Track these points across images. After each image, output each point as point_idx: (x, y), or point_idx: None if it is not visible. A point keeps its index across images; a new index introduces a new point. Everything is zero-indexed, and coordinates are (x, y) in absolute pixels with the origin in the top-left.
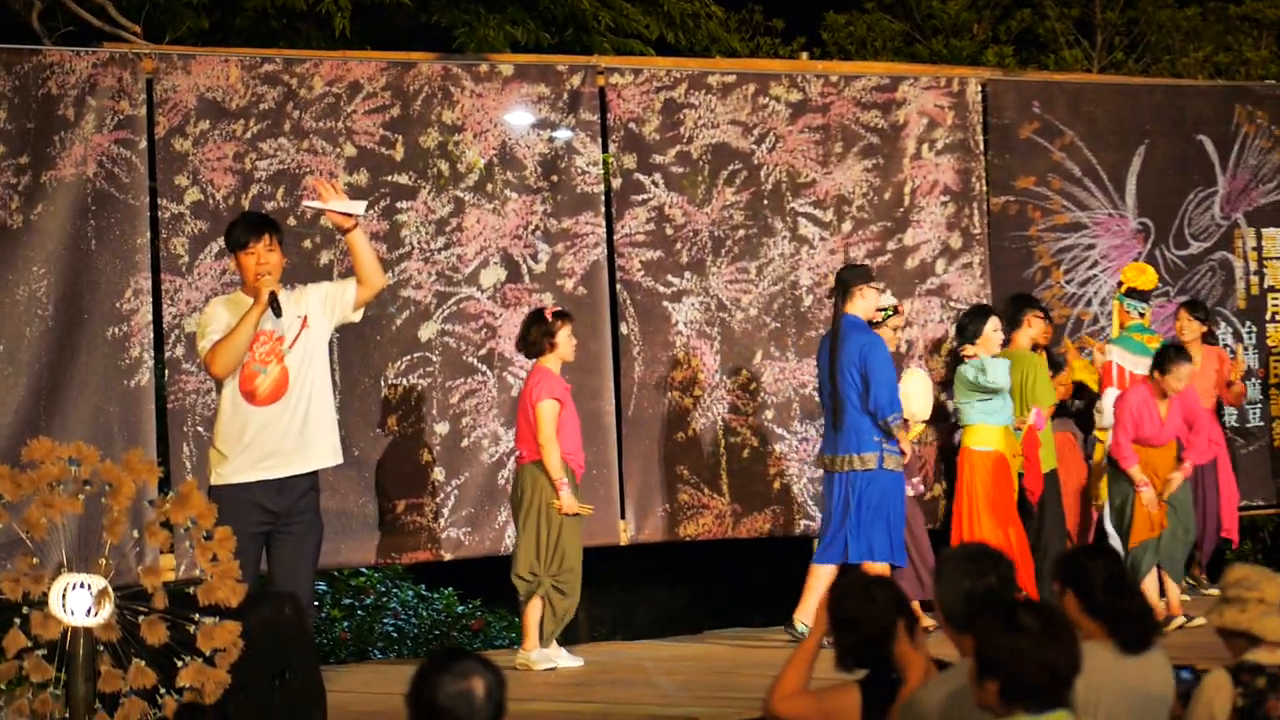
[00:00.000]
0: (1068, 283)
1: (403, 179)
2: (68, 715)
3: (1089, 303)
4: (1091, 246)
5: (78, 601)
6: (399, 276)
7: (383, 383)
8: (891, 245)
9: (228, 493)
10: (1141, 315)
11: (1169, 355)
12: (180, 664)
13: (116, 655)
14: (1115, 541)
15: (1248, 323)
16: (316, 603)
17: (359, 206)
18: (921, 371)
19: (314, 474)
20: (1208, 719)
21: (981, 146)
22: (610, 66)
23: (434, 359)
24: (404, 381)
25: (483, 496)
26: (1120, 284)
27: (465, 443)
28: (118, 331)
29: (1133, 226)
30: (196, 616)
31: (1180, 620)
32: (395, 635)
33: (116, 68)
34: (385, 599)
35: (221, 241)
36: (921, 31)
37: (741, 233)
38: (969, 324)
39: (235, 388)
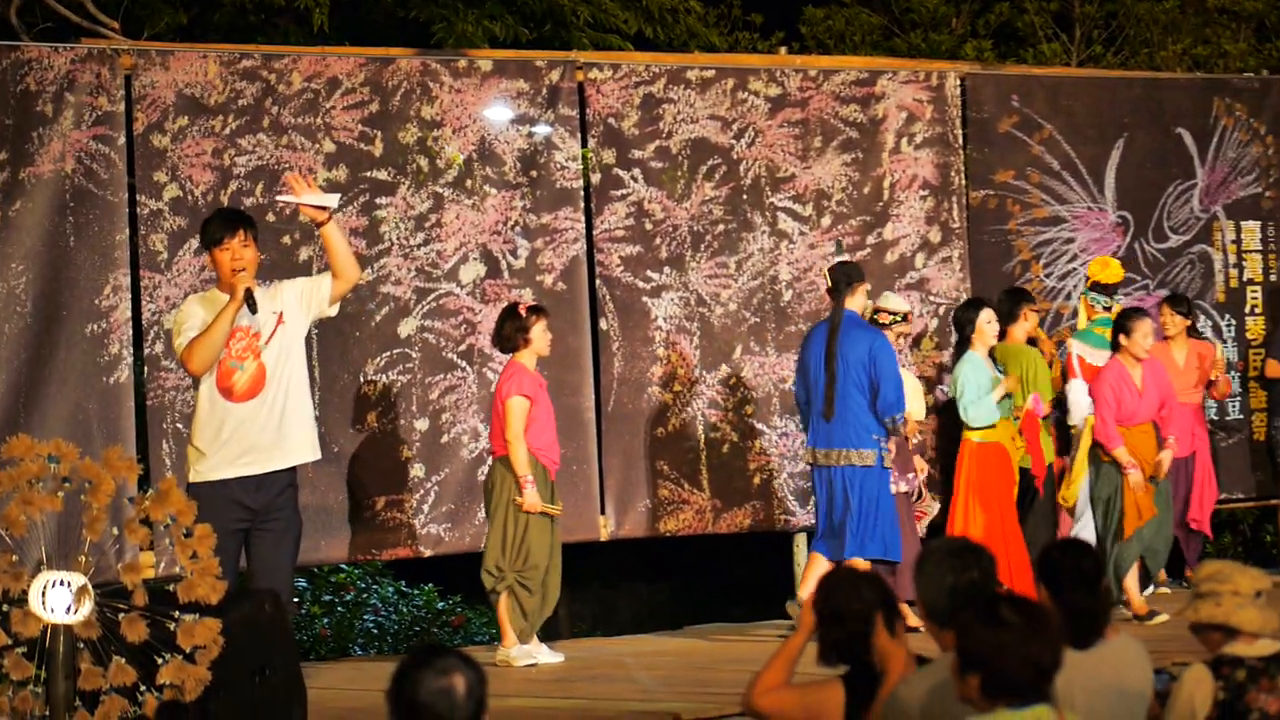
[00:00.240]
0: (1047, 276)
1: (382, 175)
2: (48, 713)
3: (1068, 296)
4: (1071, 240)
5: (58, 599)
6: (378, 272)
7: (362, 379)
8: (871, 239)
9: (206, 490)
10: (1107, 309)
11: (1127, 317)
12: (160, 661)
13: (97, 653)
14: (1089, 535)
15: (1227, 316)
16: (296, 599)
17: (332, 200)
18: (910, 373)
19: (292, 470)
20: (1189, 714)
21: (960, 140)
22: (589, 62)
23: (413, 355)
24: (383, 377)
25: (462, 492)
26: (1087, 278)
27: (445, 439)
28: (97, 328)
29: (1112, 220)
30: (176, 614)
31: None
32: (375, 631)
33: (95, 64)
34: (365, 595)
35: None
36: (900, 25)
37: (721, 228)
38: (963, 315)
39: (212, 384)
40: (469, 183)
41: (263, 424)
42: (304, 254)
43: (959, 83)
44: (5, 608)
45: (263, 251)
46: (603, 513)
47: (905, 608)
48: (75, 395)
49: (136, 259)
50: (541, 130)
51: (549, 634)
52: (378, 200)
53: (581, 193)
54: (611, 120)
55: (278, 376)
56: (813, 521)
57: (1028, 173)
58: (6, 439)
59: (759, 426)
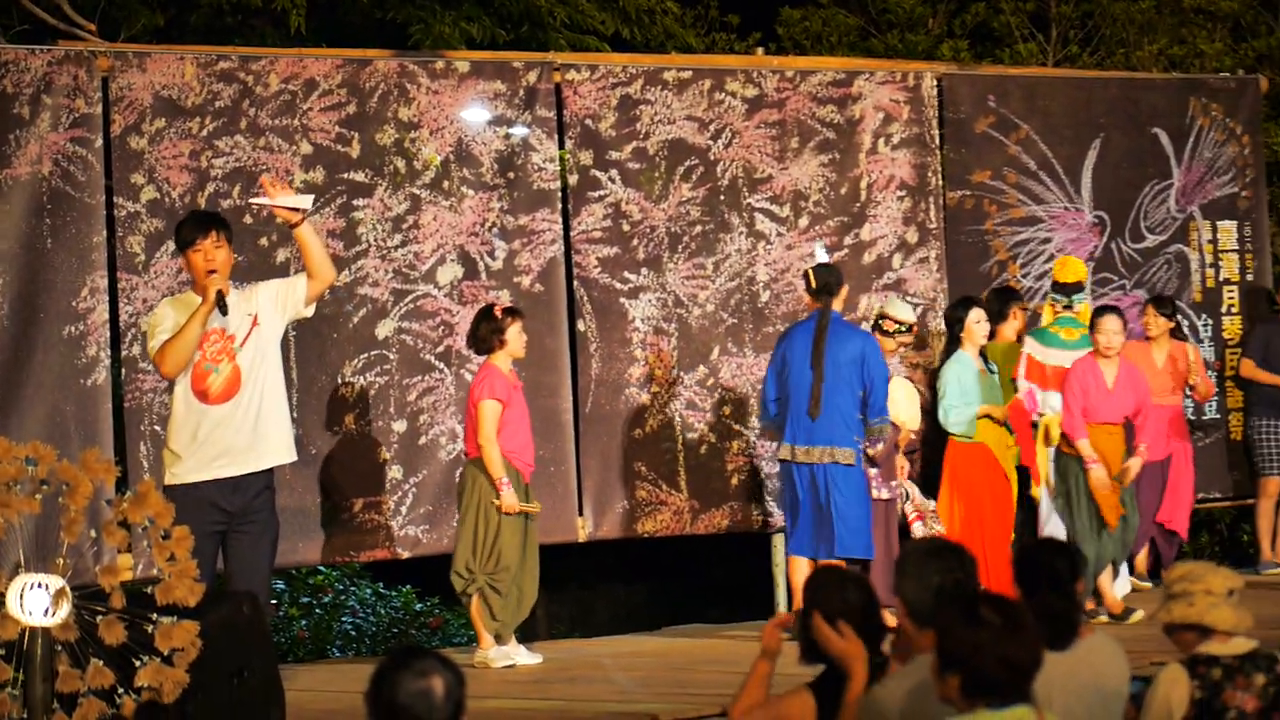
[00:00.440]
0: (1024, 276)
1: (359, 176)
2: (26, 715)
3: (1045, 296)
4: (1047, 240)
5: (35, 601)
6: (355, 274)
7: (340, 380)
8: (848, 240)
9: (182, 492)
10: (1067, 308)
11: (1096, 314)
12: (138, 664)
13: (74, 655)
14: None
15: (1203, 316)
16: (274, 601)
17: (305, 201)
18: (904, 381)
19: (269, 472)
20: (1165, 714)
21: (937, 141)
22: (566, 63)
23: (391, 357)
24: (361, 379)
25: (440, 494)
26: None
27: (423, 440)
28: (74, 330)
29: (1088, 220)
30: (154, 616)
31: (1103, 617)
32: (353, 633)
33: (72, 66)
34: (343, 597)
35: None
36: (877, 26)
37: (698, 229)
38: (952, 314)
39: (187, 386)
40: (446, 184)
41: (238, 426)
42: (281, 255)
43: (935, 83)
44: None
45: (240, 253)
46: (581, 514)
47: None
48: (53, 397)
49: (114, 261)
50: (519, 131)
51: (526, 635)
52: (355, 202)
53: (559, 194)
54: (589, 121)
55: (253, 378)
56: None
57: (1004, 173)
58: None
59: (737, 427)
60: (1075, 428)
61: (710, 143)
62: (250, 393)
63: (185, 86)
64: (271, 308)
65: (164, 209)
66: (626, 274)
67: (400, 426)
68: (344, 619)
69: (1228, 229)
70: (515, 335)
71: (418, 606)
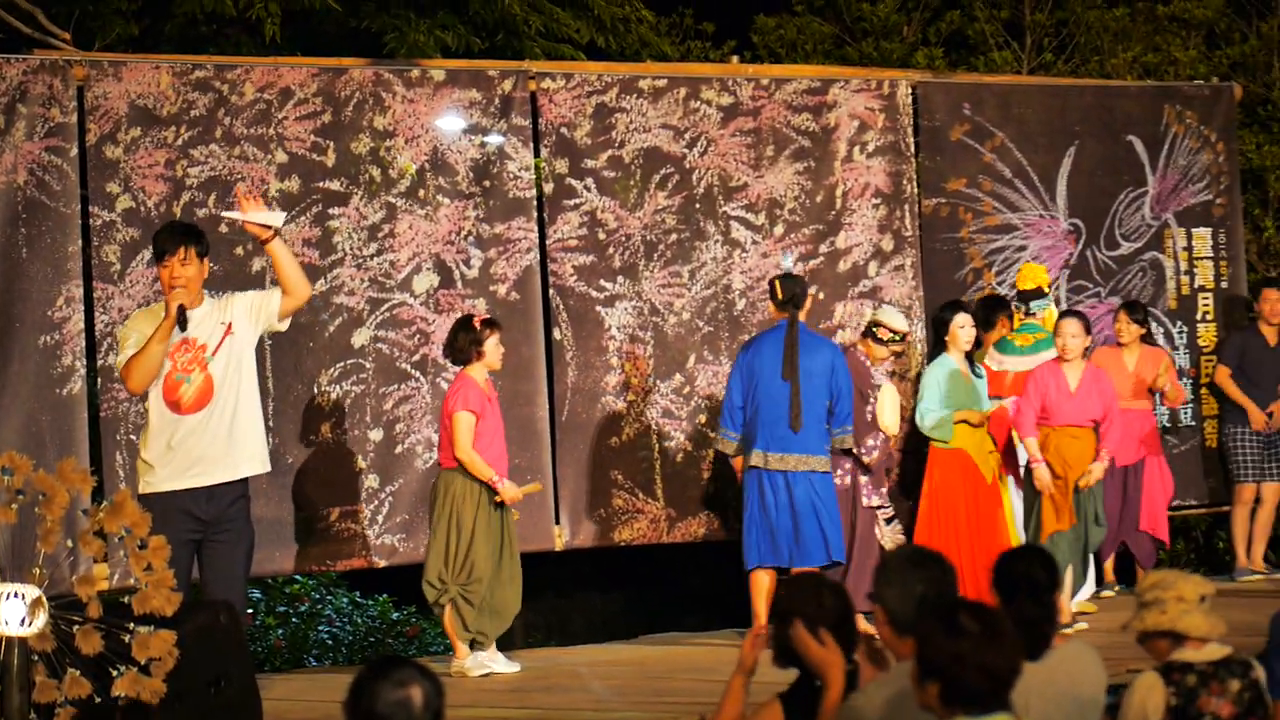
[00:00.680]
0: (999, 284)
1: (334, 185)
2: None
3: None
4: (1023, 248)
5: (12, 611)
6: (331, 283)
7: (316, 389)
8: (824, 248)
9: (156, 501)
10: (1029, 315)
11: (1059, 319)
12: (116, 673)
13: (51, 665)
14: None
15: (1178, 323)
16: (250, 610)
17: (277, 219)
18: (892, 386)
19: (244, 481)
20: None
21: (912, 149)
22: (541, 71)
23: (367, 365)
24: (337, 388)
25: (417, 503)
26: None
27: (399, 449)
28: (49, 340)
29: (1064, 228)
30: (131, 626)
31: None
32: (330, 642)
33: (47, 75)
34: (320, 606)
35: None
36: (851, 34)
37: (674, 237)
38: (939, 317)
39: (160, 396)
40: (422, 193)
41: (211, 436)
42: (257, 265)
43: (910, 91)
44: None
45: (215, 263)
46: (557, 523)
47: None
48: (28, 407)
49: (89, 270)
50: (494, 140)
51: (503, 644)
52: (330, 211)
53: (534, 202)
54: (564, 130)
55: (226, 388)
56: None
57: (980, 180)
58: None
59: (713, 435)
60: (1021, 425)
61: (686, 151)
62: (223, 402)
63: (161, 95)
64: (246, 318)
65: (139, 218)
66: (602, 282)
67: (376, 435)
68: (320, 628)
69: (1202, 236)
70: (493, 348)
71: (394, 615)
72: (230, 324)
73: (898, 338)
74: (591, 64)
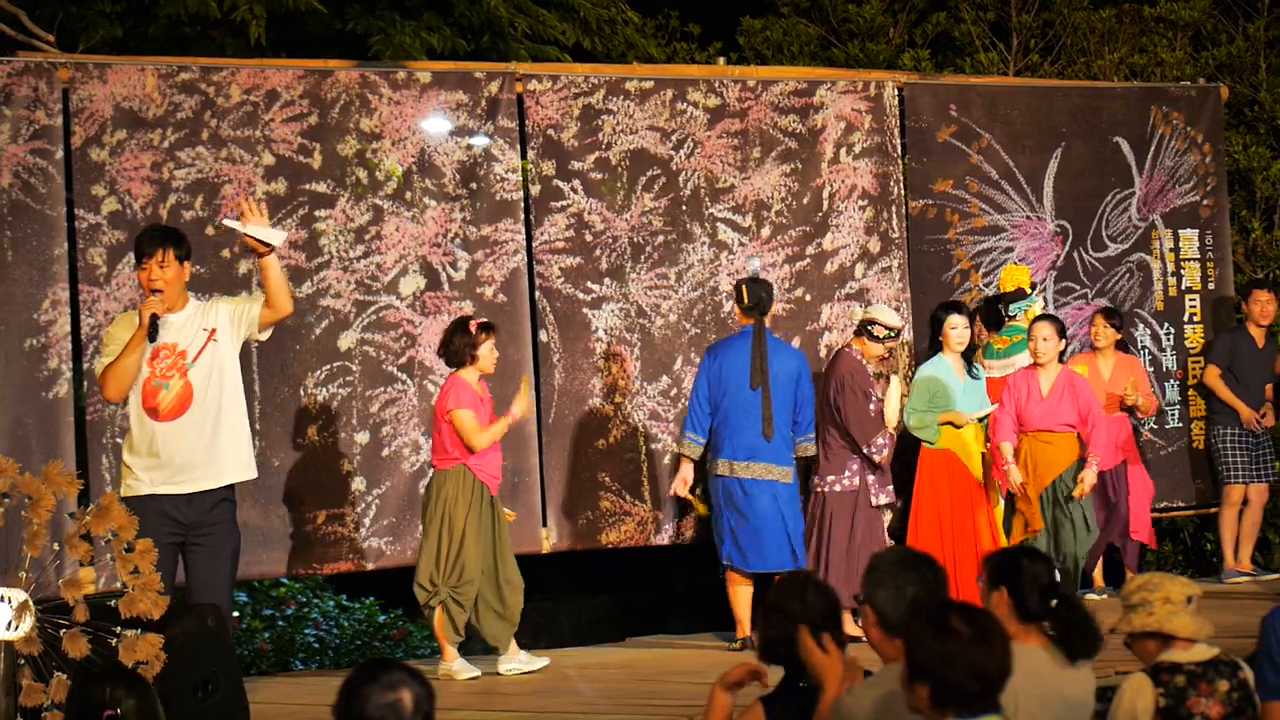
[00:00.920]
0: (986, 286)
1: (321, 187)
2: None
3: None
4: (1010, 249)
5: None
6: (318, 286)
7: (302, 392)
8: (811, 250)
9: (137, 504)
10: (1011, 317)
11: (1033, 322)
12: None
13: (38, 669)
14: None
15: (1166, 324)
16: (237, 614)
17: (278, 237)
18: (897, 379)
19: (228, 485)
20: None
21: (899, 150)
22: (528, 73)
23: (354, 368)
24: (324, 391)
25: (404, 506)
26: None
27: (386, 452)
28: (35, 343)
29: (1050, 229)
30: (118, 629)
31: None
32: (317, 646)
33: (32, 77)
34: (306, 609)
35: None
36: (838, 35)
37: (661, 239)
38: (935, 315)
39: (139, 402)
40: (408, 195)
41: (192, 443)
42: (243, 268)
43: (897, 92)
44: None
45: (201, 265)
46: (544, 525)
47: (847, 615)
48: (14, 410)
49: (75, 273)
50: (481, 142)
51: (486, 646)
52: (317, 213)
53: (521, 204)
54: (551, 131)
55: (207, 394)
56: None
57: (966, 182)
58: None
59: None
60: (995, 430)
61: (672, 153)
62: (204, 409)
63: (146, 98)
64: (229, 324)
65: (125, 221)
66: (589, 284)
67: (363, 438)
68: (307, 631)
69: (1190, 237)
70: (487, 352)
71: (381, 619)
72: (214, 330)
73: (893, 334)
74: (578, 66)
